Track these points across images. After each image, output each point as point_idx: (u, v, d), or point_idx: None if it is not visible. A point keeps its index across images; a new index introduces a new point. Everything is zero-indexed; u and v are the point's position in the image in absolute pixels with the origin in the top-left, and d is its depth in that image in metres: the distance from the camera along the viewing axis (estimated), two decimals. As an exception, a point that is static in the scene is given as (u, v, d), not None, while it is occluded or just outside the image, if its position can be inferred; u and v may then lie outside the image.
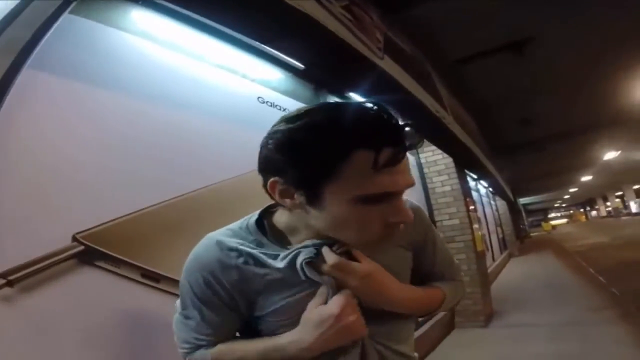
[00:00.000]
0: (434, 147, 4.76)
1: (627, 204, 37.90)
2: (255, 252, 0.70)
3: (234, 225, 0.77)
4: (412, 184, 0.63)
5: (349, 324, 0.67)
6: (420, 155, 4.97)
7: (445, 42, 3.74)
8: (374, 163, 0.57)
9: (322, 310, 0.67)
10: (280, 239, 0.73)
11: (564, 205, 54.81)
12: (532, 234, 26.92)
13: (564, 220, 51.91)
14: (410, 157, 4.44)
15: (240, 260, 0.70)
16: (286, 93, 2.56)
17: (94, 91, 1.42)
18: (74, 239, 1.21)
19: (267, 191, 0.67)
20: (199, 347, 0.73)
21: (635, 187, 35.65)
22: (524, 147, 8.79)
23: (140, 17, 1.73)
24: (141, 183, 1.48)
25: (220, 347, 0.73)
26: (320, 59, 2.24)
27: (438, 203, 4.82)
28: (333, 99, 3.08)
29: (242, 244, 0.71)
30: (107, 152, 1.40)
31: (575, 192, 32.78)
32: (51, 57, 1.32)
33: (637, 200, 36.09)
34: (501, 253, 10.48)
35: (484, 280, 4.94)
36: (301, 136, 0.60)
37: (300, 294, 0.70)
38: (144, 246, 1.40)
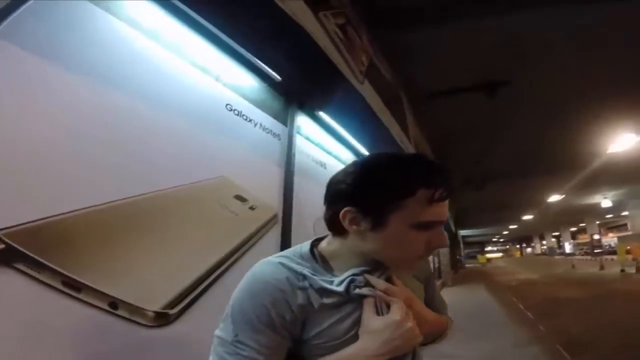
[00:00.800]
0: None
1: (562, 244, 40.96)
2: (315, 277, 0.80)
3: (287, 253, 0.88)
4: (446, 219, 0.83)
5: (410, 329, 0.78)
6: None
7: (422, 74, 3.86)
8: (431, 198, 0.77)
9: (385, 319, 0.78)
10: (325, 266, 0.86)
11: (501, 240, 58.20)
12: (467, 265, 28.41)
13: (499, 255, 55.28)
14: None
15: (306, 283, 0.80)
16: (256, 103, 2.51)
17: (52, 70, 1.31)
18: None
19: (329, 219, 0.85)
20: None
21: (572, 229, 38.68)
22: (473, 182, 9.24)
23: (131, 3, 1.64)
24: (81, 181, 1.36)
25: None
26: (300, 72, 2.22)
27: None
28: (302, 116, 3.09)
29: (303, 269, 0.81)
30: (49, 143, 1.27)
31: (514, 228, 34.97)
32: (19, 31, 1.21)
33: (572, 241, 39.21)
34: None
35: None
36: (379, 178, 0.80)
37: (347, 315, 0.81)
38: (71, 251, 1.28)
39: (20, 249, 1.14)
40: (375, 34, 2.87)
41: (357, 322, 0.81)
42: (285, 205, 2.76)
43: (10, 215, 1.14)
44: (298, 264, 0.83)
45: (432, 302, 1.06)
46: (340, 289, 0.79)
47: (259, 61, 2.31)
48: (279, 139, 2.80)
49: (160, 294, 1.59)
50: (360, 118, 2.85)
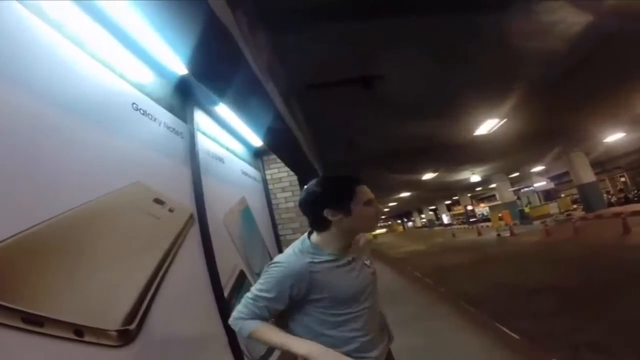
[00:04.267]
0: (280, 164, 5.04)
1: (439, 216, 46.04)
2: (322, 258, 1.33)
3: (296, 248, 1.37)
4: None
5: None
6: (266, 172, 5.17)
7: (305, 68, 4.05)
8: (360, 188, 1.37)
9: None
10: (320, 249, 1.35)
11: (383, 217, 62.67)
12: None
13: (384, 230, 59.91)
14: (258, 173, 4.61)
15: (315, 267, 1.30)
16: (159, 101, 2.38)
17: None
18: None
19: (316, 220, 1.36)
20: (254, 316, 1.28)
21: (447, 202, 43.35)
22: (353, 165, 9.97)
23: None
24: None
25: (259, 327, 1.27)
26: (205, 64, 2.16)
27: (282, 218, 5.07)
28: (199, 112, 3.01)
29: (312, 258, 1.31)
30: None
31: (394, 205, 38.08)
32: None
33: (448, 213, 44.50)
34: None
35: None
36: (337, 187, 1.37)
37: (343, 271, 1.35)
38: (18, 283, 1.11)
39: None
40: (272, 31, 2.94)
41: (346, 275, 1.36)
42: (198, 204, 2.69)
43: None
44: (309, 252, 1.33)
45: None
46: (343, 261, 1.37)
47: (159, 51, 2.19)
48: (182, 137, 2.69)
49: (115, 311, 1.47)
50: (257, 108, 2.91)
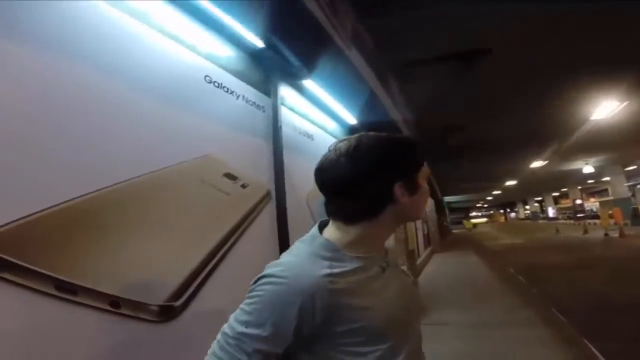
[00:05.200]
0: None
1: (545, 208, 42.17)
2: (345, 265, 0.84)
3: (302, 250, 0.86)
4: None
5: None
6: None
7: (401, 42, 3.72)
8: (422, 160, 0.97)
9: None
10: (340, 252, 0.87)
11: (485, 205, 59.57)
12: (454, 231, 29.08)
13: (484, 220, 56.87)
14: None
15: (336, 282, 0.80)
16: (236, 74, 2.33)
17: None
18: None
19: (365, 201, 0.87)
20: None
21: (555, 194, 39.54)
22: (453, 150, 9.33)
23: None
24: (53, 172, 1.19)
25: None
26: (284, 37, 2.06)
27: None
28: (284, 85, 2.92)
29: (330, 266, 0.82)
30: (11, 127, 1.10)
31: (498, 194, 35.60)
32: None
33: (554, 206, 40.36)
34: (425, 249, 11.08)
35: (414, 278, 5.14)
36: (404, 153, 0.93)
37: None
38: (58, 252, 1.15)
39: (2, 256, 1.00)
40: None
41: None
42: (277, 181, 2.64)
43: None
44: (325, 258, 0.85)
45: None
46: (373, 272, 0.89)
47: (234, 26, 2.12)
48: (264, 111, 2.64)
49: (161, 286, 1.48)
50: (350, 86, 2.72)
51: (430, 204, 14.53)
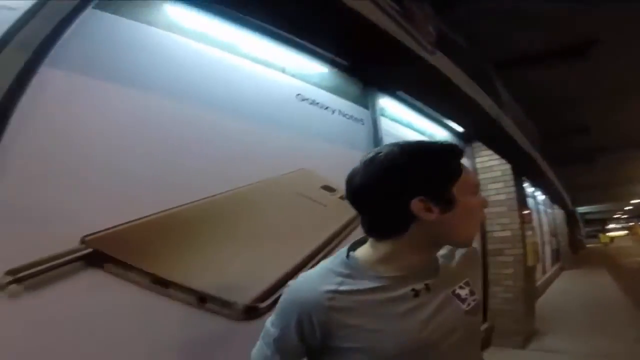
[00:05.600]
0: (490, 152, 4.34)
1: None
2: (357, 284, 0.78)
3: (325, 264, 0.84)
4: None
5: None
6: (476, 160, 4.52)
7: (508, 43, 3.35)
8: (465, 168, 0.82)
9: None
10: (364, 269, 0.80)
11: (624, 216, 49.63)
12: (588, 245, 25.03)
13: (623, 233, 47.49)
14: (467, 161, 4.14)
15: (337, 300, 0.76)
16: (330, 90, 2.35)
17: (114, 88, 1.33)
18: (83, 241, 1.15)
19: (386, 216, 0.79)
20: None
21: None
22: (582, 155, 8.06)
23: (169, 9, 1.62)
24: (157, 186, 1.38)
25: None
26: (362, 54, 2.04)
27: (490, 212, 4.34)
28: (384, 97, 2.87)
29: (338, 283, 0.78)
30: (125, 153, 1.31)
31: (638, 202, 29.42)
32: (71, 53, 1.24)
33: None
34: (552, 265, 9.72)
35: (530, 298, 4.50)
36: (435, 162, 0.78)
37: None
38: (154, 252, 1.31)
39: (107, 252, 1.18)
40: (440, 7, 2.53)
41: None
42: None
43: (96, 222, 1.20)
44: (338, 274, 0.80)
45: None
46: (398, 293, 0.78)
47: (319, 49, 2.16)
48: (363, 124, 2.63)
49: (249, 288, 1.56)
50: (439, 91, 2.54)
51: (559, 215, 12.69)
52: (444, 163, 0.79)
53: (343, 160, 2.33)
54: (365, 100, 2.69)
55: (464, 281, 0.85)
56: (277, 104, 1.99)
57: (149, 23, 1.52)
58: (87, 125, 1.25)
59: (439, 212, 0.76)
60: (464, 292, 0.83)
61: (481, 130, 3.38)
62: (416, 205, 0.75)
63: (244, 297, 1.52)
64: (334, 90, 2.40)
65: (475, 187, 0.82)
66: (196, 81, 1.63)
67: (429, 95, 2.66)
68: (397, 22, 1.81)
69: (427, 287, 0.79)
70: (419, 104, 3.20)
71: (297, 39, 2.07)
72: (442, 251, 0.88)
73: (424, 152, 0.80)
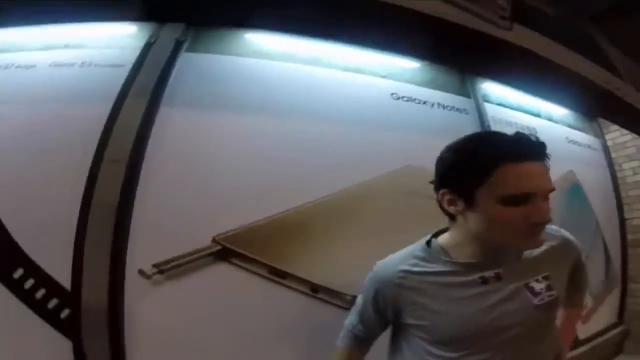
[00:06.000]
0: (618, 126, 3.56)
1: None
2: (430, 267, 0.84)
3: (408, 248, 0.92)
4: (550, 188, 0.75)
5: None
6: (606, 137, 3.66)
7: None
8: (516, 170, 0.73)
9: None
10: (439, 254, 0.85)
11: None
12: None
13: None
14: (594, 140, 3.51)
15: (407, 280, 0.84)
16: (425, 84, 2.26)
17: (222, 115, 1.61)
18: (213, 240, 1.41)
19: (438, 203, 0.84)
20: (347, 331, 0.98)
21: None
22: None
23: (252, 38, 1.85)
24: (271, 193, 1.58)
25: (338, 349, 0.97)
26: (436, 50, 1.96)
27: (629, 196, 3.48)
28: (486, 82, 2.65)
29: (412, 265, 0.86)
30: (241, 167, 1.55)
31: None
32: (181, 93, 1.58)
33: None
34: None
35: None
36: (460, 157, 0.79)
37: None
38: (273, 247, 1.49)
39: (232, 247, 1.41)
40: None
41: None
42: None
43: (225, 223, 1.45)
44: (414, 257, 0.88)
45: (577, 285, 0.97)
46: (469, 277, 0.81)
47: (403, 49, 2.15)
48: (467, 113, 2.48)
49: (358, 280, 1.64)
50: (527, 69, 2.24)
51: None
52: (466, 162, 0.78)
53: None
54: (465, 88, 2.54)
55: (543, 275, 0.81)
56: (373, 106, 2.02)
57: (237, 54, 1.78)
58: (206, 148, 1.54)
59: (464, 207, 0.79)
60: (538, 286, 0.80)
61: (593, 102, 2.82)
62: (441, 195, 0.82)
63: (352, 289, 1.61)
64: (430, 84, 2.30)
65: (512, 194, 0.73)
66: (291, 97, 1.80)
67: (518, 74, 2.38)
68: (458, 5, 1.72)
69: (498, 276, 0.80)
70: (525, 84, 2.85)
71: (381, 43, 2.10)
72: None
73: (458, 147, 0.81)
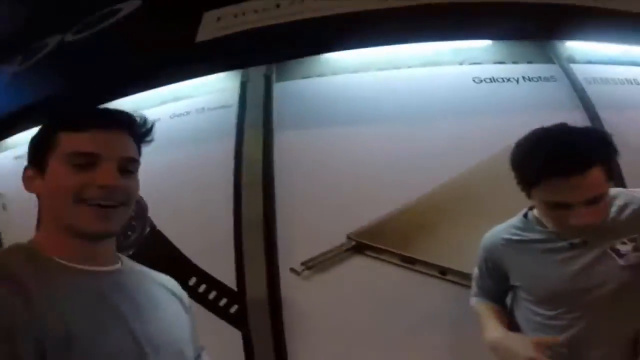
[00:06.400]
0: None
1: None
2: (526, 235, 1.00)
3: (511, 220, 1.08)
4: (589, 197, 0.82)
5: None
6: None
7: None
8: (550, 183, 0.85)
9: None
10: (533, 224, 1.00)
11: None
12: None
13: None
14: None
15: (508, 246, 1.01)
16: (505, 61, 2.28)
17: (326, 131, 1.87)
18: (348, 237, 1.64)
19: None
20: (475, 289, 1.16)
21: None
22: None
23: (331, 58, 2.05)
24: (391, 188, 1.75)
25: (480, 306, 1.12)
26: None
27: None
28: (568, 43, 2.54)
29: (512, 233, 1.02)
30: (357, 172, 1.77)
31: None
32: (288, 118, 1.87)
33: None
34: None
35: None
36: (519, 158, 0.95)
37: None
38: (401, 237, 1.67)
39: (364, 242, 1.63)
40: None
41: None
42: None
43: (356, 221, 1.67)
44: (515, 227, 1.04)
45: None
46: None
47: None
48: (555, 80, 2.40)
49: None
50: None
51: None
52: (521, 158, 0.93)
53: (546, 123, 2.21)
54: (546, 54, 2.46)
55: (630, 237, 0.88)
56: (456, 95, 2.08)
57: (319, 74, 2.01)
58: (323, 160, 1.77)
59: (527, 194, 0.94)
60: (624, 248, 0.88)
61: None
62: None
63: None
64: (510, 59, 2.30)
65: (554, 203, 0.87)
66: (381, 101, 1.96)
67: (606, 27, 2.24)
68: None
69: (584, 242, 0.91)
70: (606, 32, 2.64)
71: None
72: (621, 200, 0.94)
73: (529, 142, 0.94)
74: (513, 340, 0.90)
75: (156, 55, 2.09)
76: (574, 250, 0.91)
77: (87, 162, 0.58)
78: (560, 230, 0.92)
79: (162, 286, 0.72)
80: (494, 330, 0.99)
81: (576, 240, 0.91)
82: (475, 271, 1.14)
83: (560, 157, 0.83)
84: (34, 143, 0.64)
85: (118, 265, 0.65)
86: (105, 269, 0.62)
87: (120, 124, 0.64)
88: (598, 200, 0.83)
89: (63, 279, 0.55)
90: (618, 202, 0.93)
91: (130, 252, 1.80)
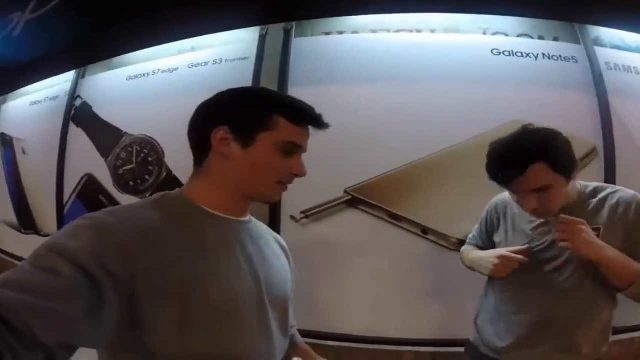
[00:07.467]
0: None
1: None
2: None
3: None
4: (534, 188, 1.02)
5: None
6: None
7: None
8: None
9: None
10: None
11: None
12: None
13: None
14: None
15: (505, 210, 1.22)
16: (528, 35, 2.29)
17: (342, 86, 1.97)
18: (345, 191, 1.81)
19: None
20: (468, 243, 1.37)
21: None
22: None
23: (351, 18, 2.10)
24: (394, 148, 1.89)
25: (467, 248, 1.34)
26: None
27: None
28: (593, 27, 2.49)
29: (510, 202, 1.18)
30: (365, 131, 1.90)
31: None
32: (302, 73, 1.97)
33: None
34: None
35: None
36: None
37: None
38: (393, 196, 1.83)
39: (360, 197, 1.81)
40: None
41: None
42: (605, 135, 2.31)
43: (354, 177, 1.85)
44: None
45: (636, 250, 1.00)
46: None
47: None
48: (576, 61, 2.38)
49: (463, 225, 1.82)
50: None
51: None
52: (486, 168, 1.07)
53: (558, 104, 2.24)
54: (574, 34, 2.44)
55: (594, 227, 0.99)
56: (472, 65, 2.12)
57: (339, 31, 2.08)
58: (337, 117, 1.87)
59: None
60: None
61: None
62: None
63: (459, 232, 1.81)
64: (535, 34, 2.30)
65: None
66: (398, 63, 2.02)
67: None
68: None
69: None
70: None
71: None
72: (604, 194, 1.05)
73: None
74: (486, 253, 1.17)
75: (178, 10, 2.15)
76: (548, 225, 1.08)
77: (293, 151, 0.69)
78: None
79: (276, 240, 0.83)
80: (475, 254, 1.23)
81: (552, 219, 1.03)
82: (475, 227, 1.34)
83: (498, 169, 1.01)
84: (246, 113, 0.68)
85: (248, 218, 0.75)
86: (242, 219, 0.72)
87: (319, 125, 0.76)
88: (545, 189, 0.96)
89: (212, 222, 0.66)
90: (601, 195, 1.05)
91: (147, 195, 2.01)
